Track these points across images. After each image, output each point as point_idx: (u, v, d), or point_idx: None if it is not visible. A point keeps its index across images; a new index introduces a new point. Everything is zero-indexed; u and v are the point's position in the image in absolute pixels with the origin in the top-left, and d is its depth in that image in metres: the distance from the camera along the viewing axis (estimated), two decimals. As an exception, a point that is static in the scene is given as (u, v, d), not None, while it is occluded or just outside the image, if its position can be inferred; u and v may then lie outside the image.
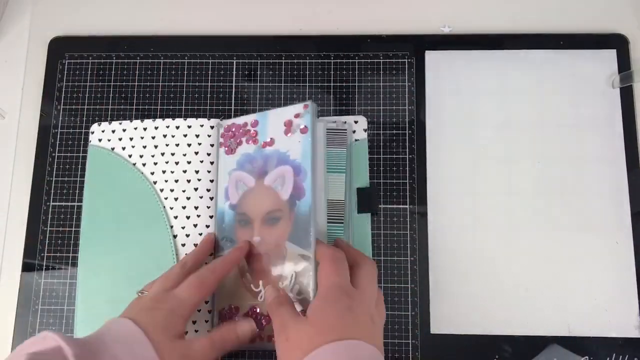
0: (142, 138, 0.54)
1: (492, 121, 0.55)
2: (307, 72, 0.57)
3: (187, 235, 0.52)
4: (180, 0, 0.60)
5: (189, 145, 0.54)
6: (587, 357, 0.49)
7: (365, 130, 0.54)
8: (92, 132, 0.55)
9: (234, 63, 0.58)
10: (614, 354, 0.50)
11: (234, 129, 0.53)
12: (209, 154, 0.53)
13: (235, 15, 0.59)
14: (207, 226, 0.52)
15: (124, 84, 0.58)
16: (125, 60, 0.58)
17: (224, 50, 0.58)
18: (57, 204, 0.55)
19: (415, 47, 0.57)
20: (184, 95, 0.57)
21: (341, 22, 0.58)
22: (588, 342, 0.50)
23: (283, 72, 0.57)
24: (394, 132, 0.55)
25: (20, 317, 0.52)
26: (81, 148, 0.56)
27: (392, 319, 0.51)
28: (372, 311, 0.42)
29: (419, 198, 0.53)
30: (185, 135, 0.54)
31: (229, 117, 0.56)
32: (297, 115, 0.50)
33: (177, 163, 0.53)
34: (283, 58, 0.57)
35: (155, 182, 0.53)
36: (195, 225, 0.52)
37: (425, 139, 0.55)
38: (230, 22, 0.59)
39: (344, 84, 0.56)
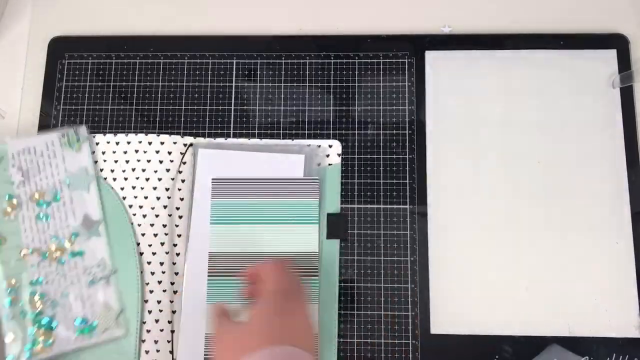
0: (114, 152, 0.54)
1: (492, 121, 0.55)
2: (307, 72, 0.57)
3: (154, 254, 0.52)
4: (180, 1, 0.60)
5: (161, 162, 0.53)
6: (587, 357, 0.49)
7: (339, 155, 0.54)
8: None
9: (234, 63, 0.58)
10: (614, 354, 0.50)
11: None
12: (180, 172, 0.53)
13: (236, 15, 0.59)
14: (175, 245, 0.52)
15: (124, 84, 0.57)
16: (125, 60, 0.58)
17: (224, 50, 0.58)
18: (57, 204, 0.55)
19: (415, 47, 0.57)
20: (184, 95, 0.57)
21: (341, 22, 0.58)
22: (588, 342, 0.50)
23: (283, 72, 0.57)
24: (394, 132, 0.55)
25: (20, 317, 0.52)
26: (81, 148, 0.56)
27: (392, 319, 0.51)
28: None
29: (419, 198, 0.53)
30: (157, 152, 0.54)
31: (229, 117, 0.56)
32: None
33: (147, 179, 0.53)
34: (283, 58, 0.57)
35: (124, 198, 0.53)
36: (162, 244, 0.52)
37: (425, 139, 0.55)
38: (230, 22, 0.59)
39: (344, 84, 0.56)
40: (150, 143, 0.54)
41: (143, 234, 0.52)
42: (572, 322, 0.50)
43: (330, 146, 0.54)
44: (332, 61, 0.57)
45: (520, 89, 0.56)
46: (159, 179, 0.53)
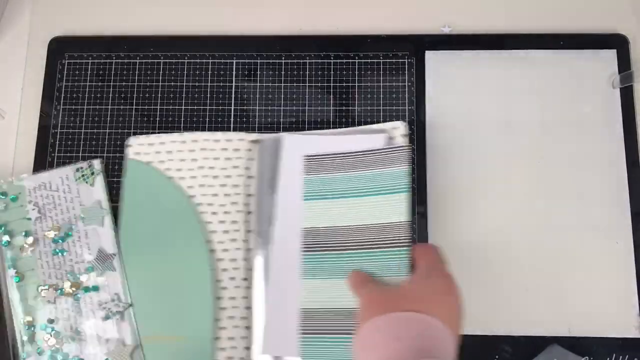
0: (180, 151, 0.53)
1: (492, 121, 0.55)
2: (307, 72, 0.57)
3: (225, 250, 0.51)
4: (181, 1, 0.60)
5: (228, 159, 0.53)
6: (587, 357, 0.49)
7: (403, 136, 0.51)
8: (130, 146, 0.54)
9: (234, 63, 0.58)
10: (614, 354, 0.50)
11: None
12: (247, 168, 0.52)
13: (236, 16, 0.59)
14: (245, 241, 0.51)
15: (124, 84, 0.57)
16: (125, 60, 0.58)
17: (224, 50, 0.58)
18: (57, 204, 0.55)
19: (415, 47, 0.57)
20: (184, 95, 0.57)
21: (341, 22, 0.58)
22: (588, 342, 0.50)
23: (283, 72, 0.57)
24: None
25: (20, 317, 0.52)
26: (80, 148, 0.56)
27: (392, 319, 0.51)
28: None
29: (419, 198, 0.53)
30: (224, 149, 0.53)
31: (229, 117, 0.56)
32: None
33: (215, 177, 0.52)
34: (283, 58, 0.57)
35: (192, 196, 0.52)
36: (233, 240, 0.51)
37: (425, 139, 0.55)
38: (230, 22, 0.59)
39: (344, 84, 0.56)
40: (217, 141, 0.53)
41: (214, 232, 0.52)
42: (572, 322, 0.50)
43: (394, 128, 0.52)
44: (332, 61, 0.57)
45: (520, 89, 0.56)
46: (228, 176, 0.52)
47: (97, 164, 0.54)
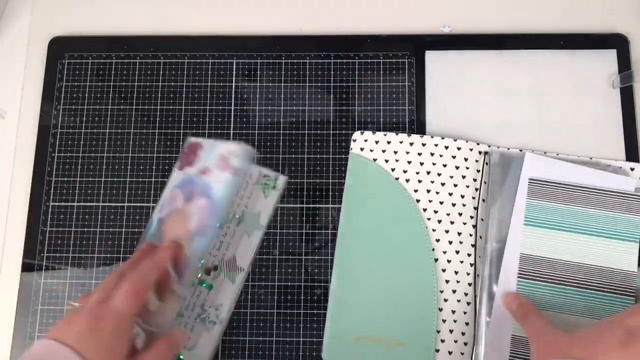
0: (407, 153, 0.52)
1: (492, 121, 0.55)
2: (307, 72, 0.57)
3: (449, 261, 0.50)
4: (180, 0, 0.60)
5: (457, 167, 0.52)
6: None
7: None
8: (354, 140, 0.54)
9: (234, 63, 0.58)
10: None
11: (191, 148, 0.51)
12: (474, 180, 0.52)
13: (236, 15, 0.59)
14: (469, 255, 0.50)
15: (124, 84, 0.57)
16: (125, 60, 0.58)
17: (224, 50, 0.58)
18: (57, 204, 0.55)
19: (415, 47, 0.57)
20: (184, 95, 0.57)
21: (341, 22, 0.58)
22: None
23: (283, 72, 0.57)
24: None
25: (20, 317, 0.52)
26: (81, 148, 0.56)
27: (393, 319, 0.51)
28: None
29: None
30: (454, 157, 0.52)
31: (229, 117, 0.56)
32: (232, 154, 0.49)
33: (443, 184, 0.51)
34: (283, 58, 0.57)
35: (418, 200, 0.51)
36: (457, 252, 0.50)
37: (425, 139, 0.55)
38: (230, 22, 0.59)
39: (344, 84, 0.56)
40: (446, 147, 0.52)
41: (438, 240, 0.51)
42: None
43: (632, 169, 0.51)
44: (332, 61, 0.57)
45: (520, 89, 0.56)
46: (455, 185, 0.51)
47: (282, 181, 0.53)
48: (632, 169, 0.51)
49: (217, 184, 0.48)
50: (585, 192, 0.50)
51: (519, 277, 0.49)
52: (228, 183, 0.48)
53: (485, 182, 0.52)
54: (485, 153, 0.53)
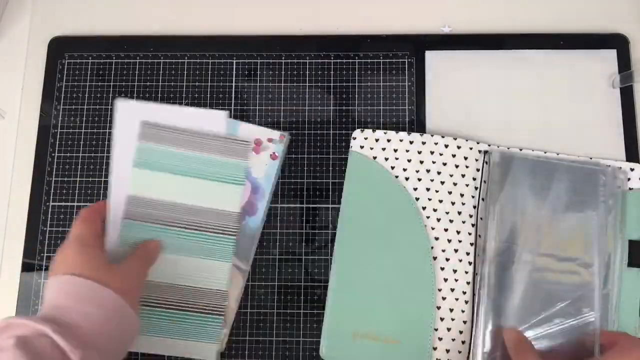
0: (407, 151, 0.52)
1: (492, 121, 0.55)
2: (307, 72, 0.57)
3: (447, 260, 0.50)
4: (180, 0, 0.60)
5: (457, 166, 0.52)
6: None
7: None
8: (354, 138, 0.54)
9: (234, 63, 0.58)
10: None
11: None
12: (474, 179, 0.51)
13: (236, 15, 0.59)
14: (467, 253, 0.50)
15: (124, 84, 0.57)
16: (125, 60, 0.58)
17: (224, 50, 0.58)
18: (57, 204, 0.55)
19: (415, 47, 0.57)
20: (184, 95, 0.57)
21: (341, 22, 0.58)
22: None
23: (283, 72, 0.57)
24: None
25: (20, 317, 0.52)
26: (81, 148, 0.56)
27: (393, 319, 0.51)
28: None
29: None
30: (453, 156, 0.52)
31: (229, 117, 0.56)
32: (269, 140, 0.53)
33: (442, 183, 0.51)
34: (283, 58, 0.57)
35: (417, 199, 0.51)
36: (456, 251, 0.50)
37: (425, 139, 0.55)
38: (230, 22, 0.59)
39: (344, 84, 0.56)
40: (446, 146, 0.52)
41: (436, 238, 0.50)
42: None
43: (632, 169, 0.51)
44: (332, 61, 0.57)
45: (520, 89, 0.56)
46: (454, 184, 0.51)
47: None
48: (632, 169, 0.51)
49: (256, 167, 0.53)
50: (192, 136, 0.52)
51: (125, 218, 0.51)
52: (269, 167, 0.53)
53: (485, 181, 0.52)
54: (485, 152, 0.53)
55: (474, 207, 0.51)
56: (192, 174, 0.51)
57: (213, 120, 0.54)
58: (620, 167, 0.52)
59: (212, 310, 0.50)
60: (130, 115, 0.53)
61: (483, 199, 0.51)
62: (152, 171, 0.51)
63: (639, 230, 0.50)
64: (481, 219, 0.51)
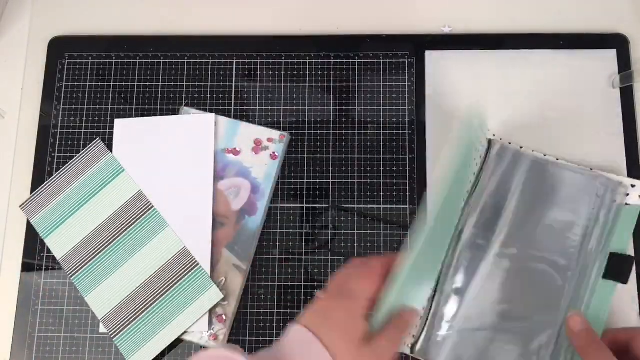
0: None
1: (492, 121, 0.55)
2: (307, 72, 0.57)
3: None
4: (180, 0, 0.60)
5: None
6: None
7: None
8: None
9: (234, 63, 0.58)
10: (615, 354, 0.49)
11: None
12: (476, 164, 0.52)
13: (236, 15, 0.59)
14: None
15: (124, 84, 0.58)
16: (125, 60, 0.58)
17: (224, 50, 0.58)
18: (57, 204, 0.55)
19: (415, 47, 0.57)
20: (184, 95, 0.57)
21: (341, 22, 0.58)
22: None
23: (283, 72, 0.57)
24: (394, 132, 0.55)
25: (20, 317, 0.52)
26: (81, 148, 0.56)
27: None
28: None
29: (419, 198, 0.53)
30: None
31: (229, 117, 0.56)
32: (269, 140, 0.53)
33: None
34: (283, 58, 0.57)
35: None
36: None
37: (425, 139, 0.55)
38: (230, 22, 0.59)
39: (344, 84, 0.56)
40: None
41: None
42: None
43: (633, 186, 0.51)
44: (332, 61, 0.57)
45: (520, 89, 0.56)
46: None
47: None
48: (632, 186, 0.51)
49: (256, 167, 0.54)
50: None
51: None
52: (269, 167, 0.54)
53: (482, 170, 0.52)
54: (490, 141, 0.53)
55: (467, 191, 0.51)
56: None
57: (202, 124, 0.54)
58: (621, 182, 0.51)
59: (187, 269, 0.51)
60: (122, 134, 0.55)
61: (475, 188, 0.52)
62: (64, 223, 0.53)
63: (623, 244, 0.50)
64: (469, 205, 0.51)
